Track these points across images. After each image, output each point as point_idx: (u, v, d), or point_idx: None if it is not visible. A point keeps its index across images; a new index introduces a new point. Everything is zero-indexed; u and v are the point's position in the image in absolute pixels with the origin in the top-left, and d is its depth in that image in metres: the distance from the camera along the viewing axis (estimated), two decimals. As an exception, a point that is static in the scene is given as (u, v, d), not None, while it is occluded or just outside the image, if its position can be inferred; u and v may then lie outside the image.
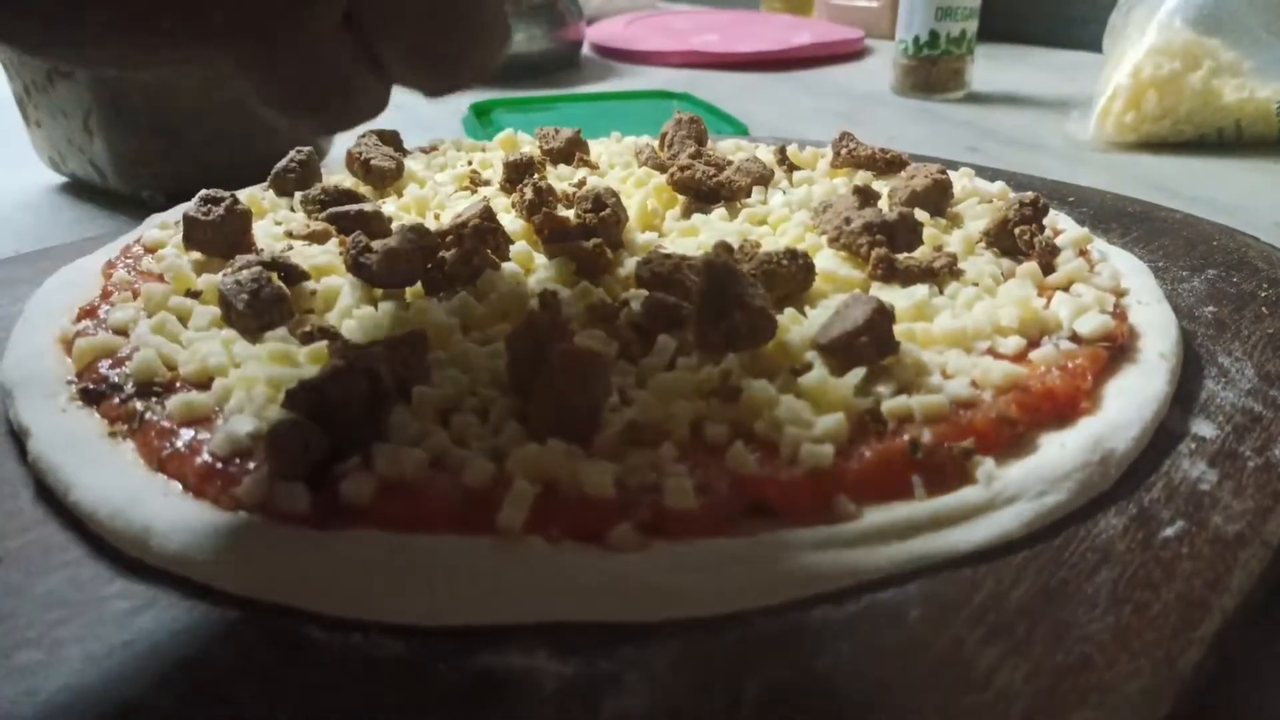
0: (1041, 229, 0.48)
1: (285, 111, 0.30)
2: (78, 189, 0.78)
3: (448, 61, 0.31)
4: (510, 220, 0.50)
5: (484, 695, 0.26)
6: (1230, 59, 0.87)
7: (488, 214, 0.48)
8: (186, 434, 0.35)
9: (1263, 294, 0.49)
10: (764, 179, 0.57)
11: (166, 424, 0.35)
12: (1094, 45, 0.98)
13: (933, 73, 1.10)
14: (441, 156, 0.65)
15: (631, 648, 0.28)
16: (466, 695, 0.26)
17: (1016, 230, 0.47)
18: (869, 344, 0.37)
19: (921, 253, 0.46)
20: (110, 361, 0.39)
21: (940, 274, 0.45)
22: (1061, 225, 0.53)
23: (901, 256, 0.45)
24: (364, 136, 0.63)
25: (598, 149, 0.66)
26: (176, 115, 0.71)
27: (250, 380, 0.37)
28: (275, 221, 0.53)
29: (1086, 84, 0.97)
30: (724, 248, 0.45)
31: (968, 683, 0.27)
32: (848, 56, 1.39)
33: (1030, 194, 0.49)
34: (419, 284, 0.44)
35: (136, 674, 0.27)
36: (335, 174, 0.61)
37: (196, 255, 0.48)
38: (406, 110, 1.05)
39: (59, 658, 0.28)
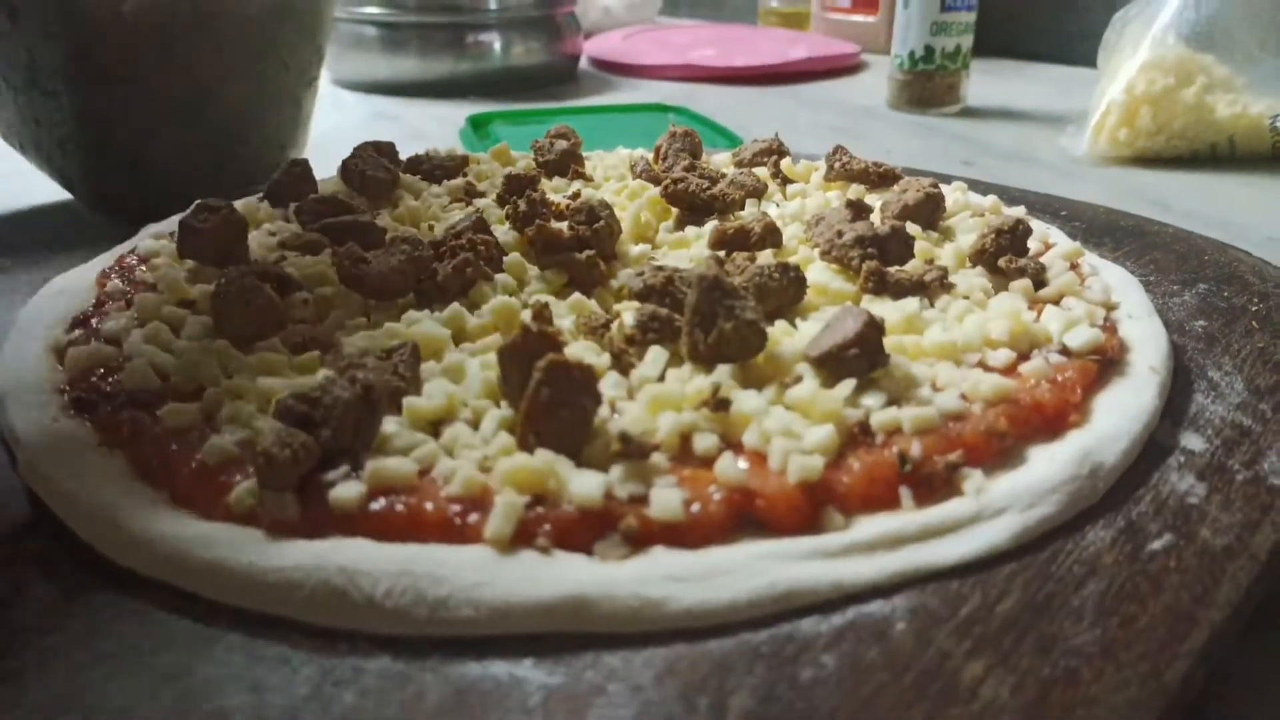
0: (1025, 252, 0.48)
1: None
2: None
3: None
4: (504, 232, 0.50)
5: (470, 705, 0.26)
6: (1223, 75, 0.88)
7: (481, 225, 0.48)
8: (177, 443, 0.35)
9: (1253, 309, 0.49)
10: (757, 192, 0.57)
11: (157, 433, 0.35)
12: (1088, 61, 0.99)
13: (928, 87, 1.11)
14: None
15: (617, 658, 0.28)
16: (452, 705, 0.26)
17: (1000, 262, 0.47)
18: (859, 356, 0.37)
19: (913, 266, 0.46)
20: (102, 371, 0.39)
21: (931, 287, 0.45)
22: (1053, 239, 0.53)
23: (893, 270, 0.45)
24: (359, 148, 0.63)
25: (593, 161, 0.66)
26: (159, 154, 0.68)
27: (241, 390, 0.37)
28: (269, 232, 0.53)
29: (1081, 99, 0.98)
30: (716, 260, 0.45)
31: (954, 696, 0.27)
32: (843, 71, 1.40)
33: (1011, 219, 0.49)
34: (411, 295, 0.45)
35: (124, 683, 0.27)
36: (330, 185, 0.61)
37: (190, 265, 0.48)
38: (403, 122, 1.06)
39: (47, 666, 0.28)
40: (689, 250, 0.51)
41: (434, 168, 0.64)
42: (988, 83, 1.23)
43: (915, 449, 0.34)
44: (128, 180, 0.68)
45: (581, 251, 0.47)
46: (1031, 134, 1.02)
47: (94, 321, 0.44)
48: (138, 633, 0.29)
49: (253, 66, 0.70)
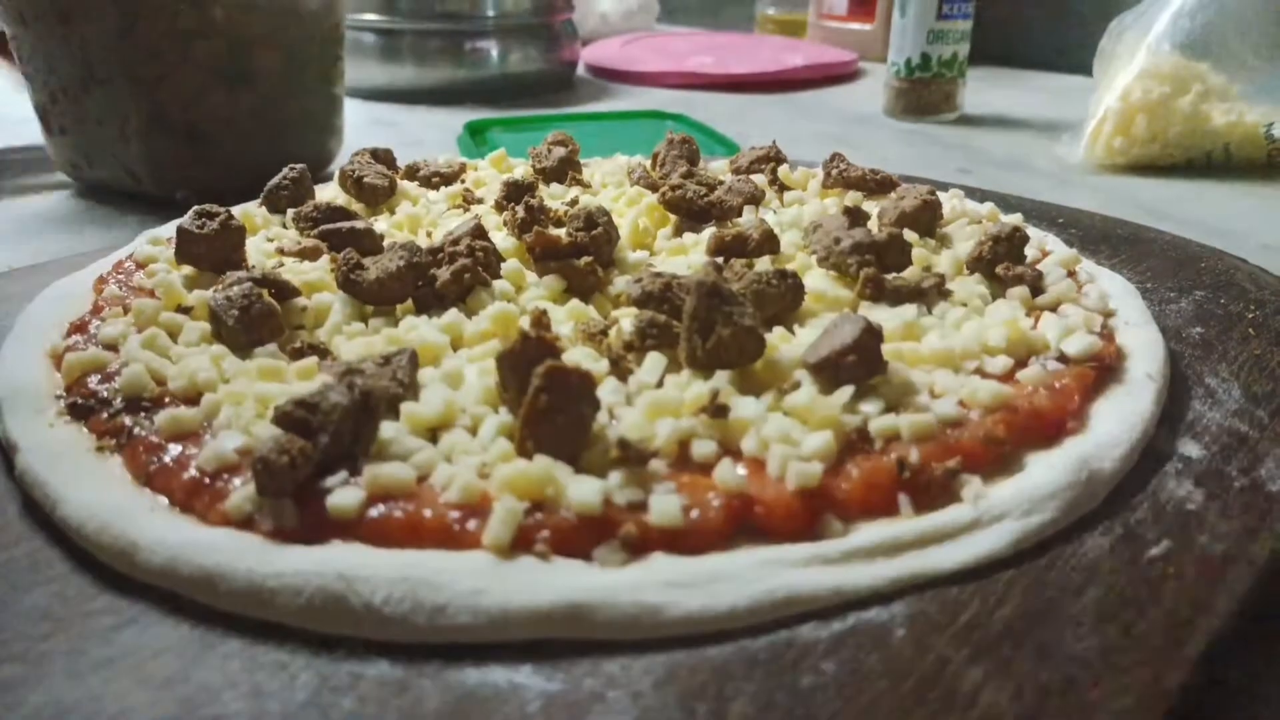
0: (1022, 259, 0.48)
1: None
2: (81, 198, 0.78)
3: None
4: (502, 239, 0.50)
5: (468, 712, 0.26)
6: (1219, 83, 0.88)
7: (479, 232, 0.48)
8: (174, 449, 0.35)
9: (1250, 315, 0.50)
10: (755, 199, 0.57)
11: (154, 439, 0.35)
12: (1084, 69, 0.99)
13: (925, 95, 1.11)
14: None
15: (616, 665, 0.28)
16: (451, 712, 0.26)
17: (997, 270, 0.47)
18: (857, 363, 0.37)
19: (910, 273, 0.47)
20: (99, 376, 0.39)
21: (929, 294, 0.45)
22: (1050, 246, 0.53)
23: (890, 276, 0.45)
24: (358, 154, 0.63)
25: (590, 168, 0.66)
26: (210, 121, 0.74)
27: (239, 396, 0.37)
28: (267, 238, 0.53)
29: (1077, 107, 0.98)
30: (714, 267, 0.45)
31: (953, 703, 0.27)
32: (841, 78, 1.41)
33: (1008, 226, 0.49)
34: (410, 301, 0.45)
35: (120, 689, 0.27)
36: (327, 191, 0.61)
37: (188, 271, 0.48)
38: (400, 128, 1.06)
39: (42, 672, 0.28)
40: (687, 257, 0.51)
41: (432, 174, 0.64)
42: (984, 91, 1.23)
43: (913, 455, 0.34)
44: (188, 153, 0.74)
45: (580, 258, 0.47)
46: (1028, 142, 1.02)
47: (91, 327, 0.44)
48: (135, 639, 0.29)
49: (282, 32, 0.76)
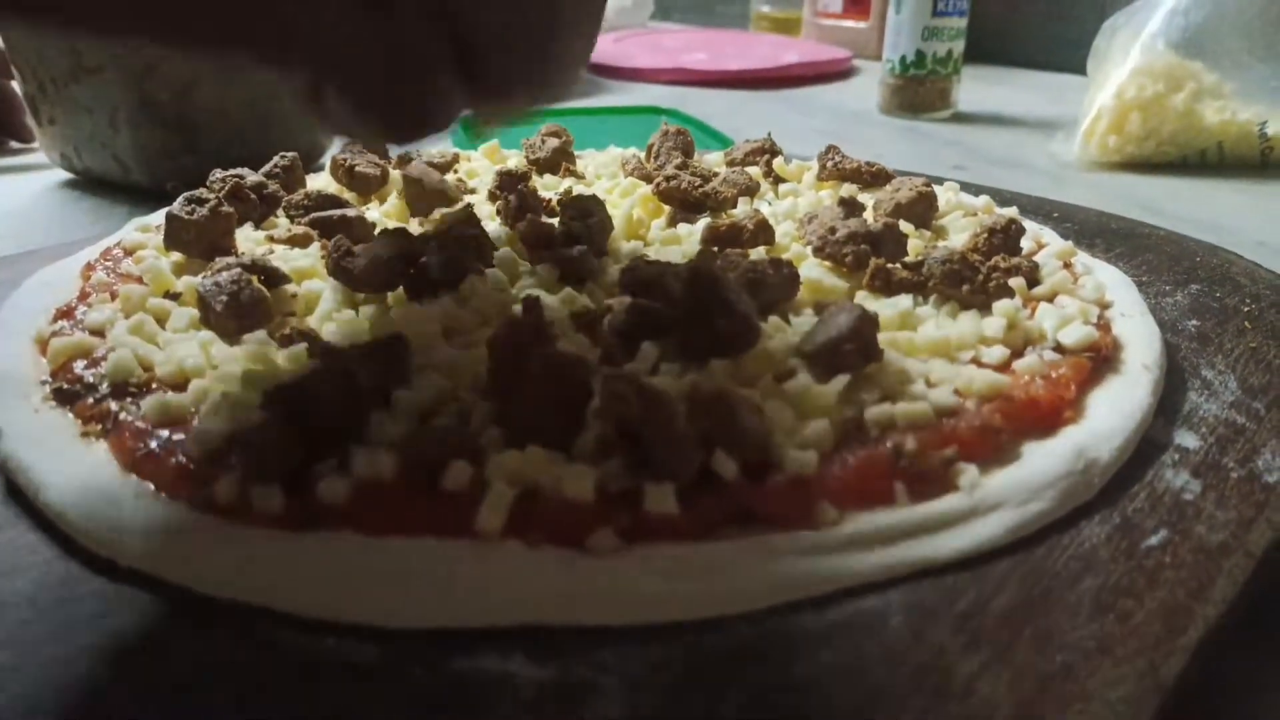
0: (1017, 251, 0.48)
1: (361, 115, 0.27)
2: (70, 189, 0.77)
3: (541, 48, 0.29)
4: (495, 227, 0.50)
5: (459, 700, 0.26)
6: (1212, 81, 0.88)
7: (472, 220, 0.48)
8: (161, 435, 0.34)
9: (1245, 309, 0.49)
10: (750, 190, 0.57)
11: (141, 425, 0.35)
12: (1079, 67, 0.99)
13: (919, 92, 1.11)
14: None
15: (610, 653, 0.27)
16: (441, 700, 0.26)
17: (991, 286, 0.43)
18: (853, 351, 0.37)
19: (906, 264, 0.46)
20: (85, 362, 0.39)
21: (934, 285, 0.44)
22: (1046, 239, 0.53)
23: (897, 266, 0.45)
24: (350, 144, 0.63)
25: (584, 160, 0.66)
26: (200, 110, 0.73)
27: (227, 381, 0.36)
28: (257, 225, 0.53)
29: (1072, 105, 0.98)
30: (709, 255, 0.45)
31: (949, 691, 0.26)
32: (835, 76, 1.40)
33: (1004, 218, 0.48)
34: (401, 288, 0.44)
35: (107, 676, 0.27)
36: (319, 180, 0.61)
37: (176, 257, 0.48)
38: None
39: (28, 660, 0.27)
40: (681, 247, 0.50)
41: (424, 164, 0.63)
42: (979, 88, 1.23)
43: (909, 444, 0.34)
44: (178, 142, 0.73)
45: (573, 247, 0.46)
46: (1023, 139, 1.02)
47: (78, 313, 0.43)
48: (121, 626, 0.28)
49: None
